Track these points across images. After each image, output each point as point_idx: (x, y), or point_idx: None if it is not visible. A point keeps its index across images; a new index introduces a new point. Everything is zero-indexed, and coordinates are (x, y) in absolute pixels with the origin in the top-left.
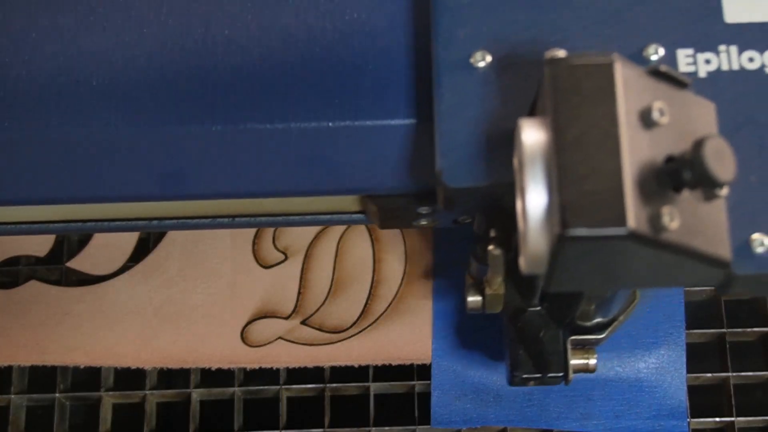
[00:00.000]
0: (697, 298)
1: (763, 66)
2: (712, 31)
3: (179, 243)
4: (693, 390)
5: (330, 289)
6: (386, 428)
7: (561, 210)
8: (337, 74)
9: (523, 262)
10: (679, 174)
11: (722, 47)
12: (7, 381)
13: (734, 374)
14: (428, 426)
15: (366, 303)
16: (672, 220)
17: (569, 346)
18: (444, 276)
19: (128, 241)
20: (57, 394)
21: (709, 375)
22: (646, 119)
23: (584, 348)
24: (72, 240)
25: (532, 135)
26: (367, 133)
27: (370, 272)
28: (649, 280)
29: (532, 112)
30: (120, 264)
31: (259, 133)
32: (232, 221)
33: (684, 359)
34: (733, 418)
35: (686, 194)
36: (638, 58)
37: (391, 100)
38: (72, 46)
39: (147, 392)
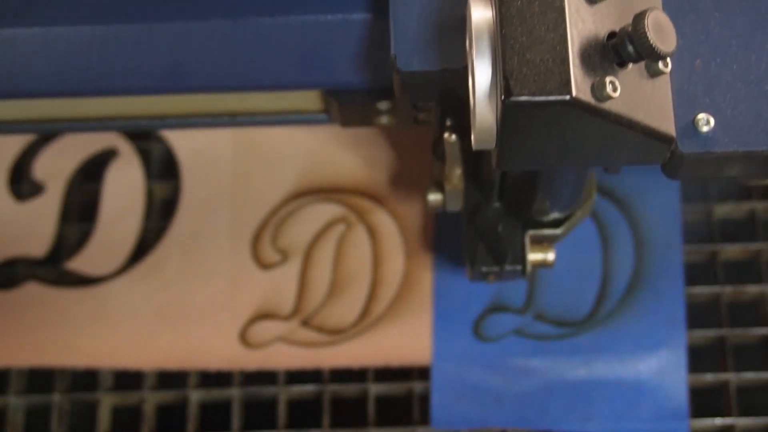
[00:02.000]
0: (698, 299)
1: None
2: None
3: (178, 244)
4: (694, 391)
5: (329, 290)
6: (385, 429)
7: (505, 79)
8: None
9: (473, 138)
10: (621, 47)
11: None
12: (6, 382)
13: (735, 375)
14: (428, 427)
15: (365, 304)
16: (614, 90)
17: (527, 241)
18: (444, 277)
19: (127, 241)
20: (55, 396)
21: (710, 376)
22: None
23: (542, 243)
24: (70, 241)
25: (480, 12)
26: (326, 28)
27: (369, 273)
28: (595, 154)
29: None
30: (119, 265)
31: (220, 27)
32: (183, 121)
33: (685, 360)
34: (734, 419)
35: (630, 69)
36: None
37: None
38: None
39: (145, 393)
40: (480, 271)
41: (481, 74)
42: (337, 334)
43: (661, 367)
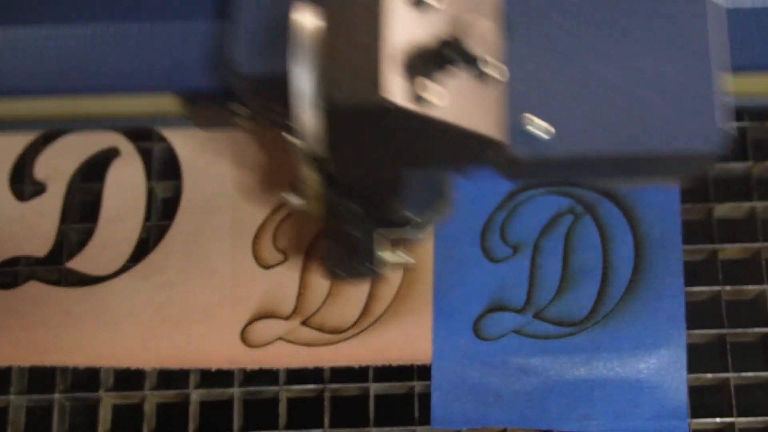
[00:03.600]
0: (698, 298)
1: None
2: None
3: (179, 243)
4: (694, 390)
5: (330, 289)
6: (386, 429)
7: (323, 85)
8: None
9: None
10: (442, 53)
11: None
12: (7, 381)
13: (735, 375)
14: (428, 426)
15: (366, 303)
16: (437, 96)
17: (383, 241)
18: (444, 276)
19: (128, 241)
20: (56, 395)
21: (710, 375)
22: (417, 1)
23: (400, 245)
24: (72, 240)
25: (303, 18)
26: (174, 34)
27: None
28: (430, 159)
29: None
30: (120, 264)
31: (68, 32)
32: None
33: (685, 360)
34: (733, 419)
35: (460, 76)
36: None
37: (195, 1)
38: None
39: (146, 393)
40: (332, 270)
41: (301, 81)
42: (338, 333)
43: (661, 366)
